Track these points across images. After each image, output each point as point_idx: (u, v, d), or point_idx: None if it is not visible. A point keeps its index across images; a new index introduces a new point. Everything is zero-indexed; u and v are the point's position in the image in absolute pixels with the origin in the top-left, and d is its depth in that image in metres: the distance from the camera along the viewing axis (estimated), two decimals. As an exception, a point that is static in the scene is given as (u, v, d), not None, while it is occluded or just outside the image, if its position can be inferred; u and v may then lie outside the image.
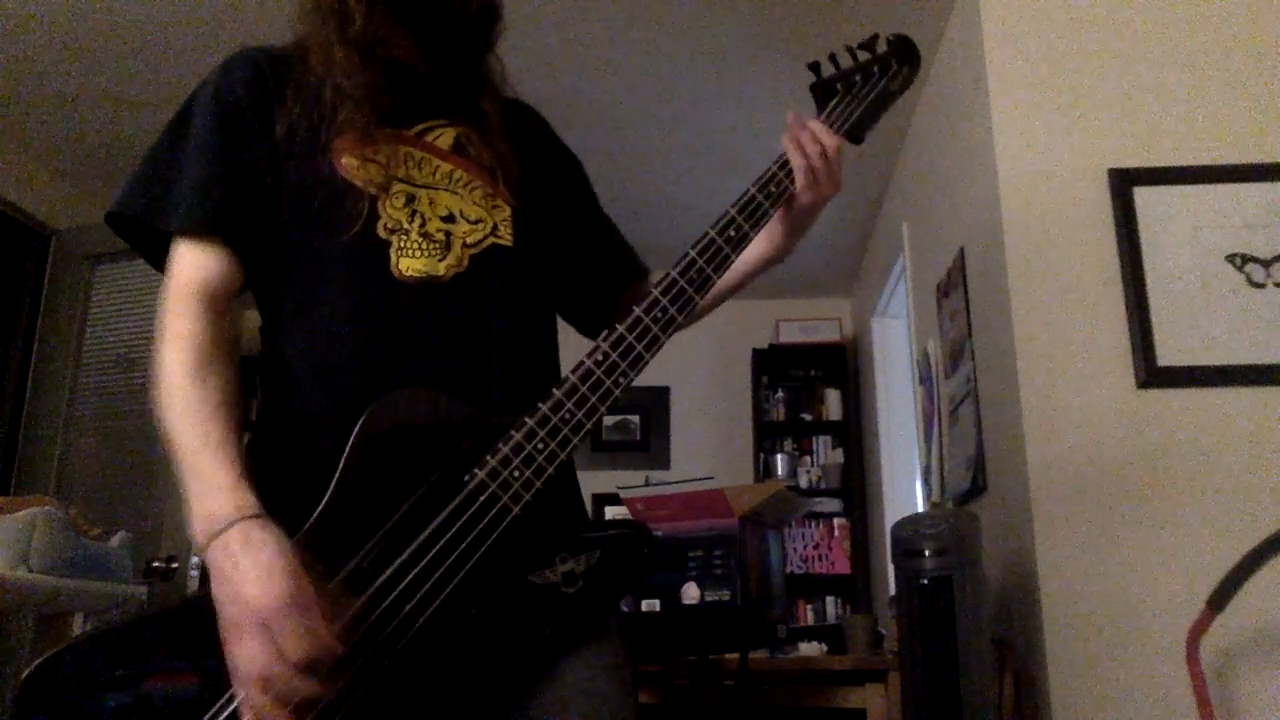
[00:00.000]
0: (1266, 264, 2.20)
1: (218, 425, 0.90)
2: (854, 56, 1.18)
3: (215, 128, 1.00)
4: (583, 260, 1.22)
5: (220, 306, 0.97)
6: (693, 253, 1.02)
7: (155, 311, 0.97)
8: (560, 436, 0.93)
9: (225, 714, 0.81)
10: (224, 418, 0.91)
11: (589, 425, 0.94)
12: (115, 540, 2.54)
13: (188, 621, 0.87)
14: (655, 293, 0.99)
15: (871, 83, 1.18)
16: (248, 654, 0.80)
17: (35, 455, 3.25)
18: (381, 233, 0.99)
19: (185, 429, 0.89)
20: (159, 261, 1.02)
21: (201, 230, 0.98)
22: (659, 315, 0.99)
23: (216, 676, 0.82)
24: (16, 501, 2.43)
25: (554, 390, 0.94)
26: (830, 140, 1.10)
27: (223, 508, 0.85)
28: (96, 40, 2.94)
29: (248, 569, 0.82)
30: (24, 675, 0.80)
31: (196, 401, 0.90)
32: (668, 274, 1.01)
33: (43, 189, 3.65)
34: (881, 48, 1.19)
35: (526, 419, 0.93)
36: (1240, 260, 2.20)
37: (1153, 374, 2.15)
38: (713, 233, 1.03)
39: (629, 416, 5.11)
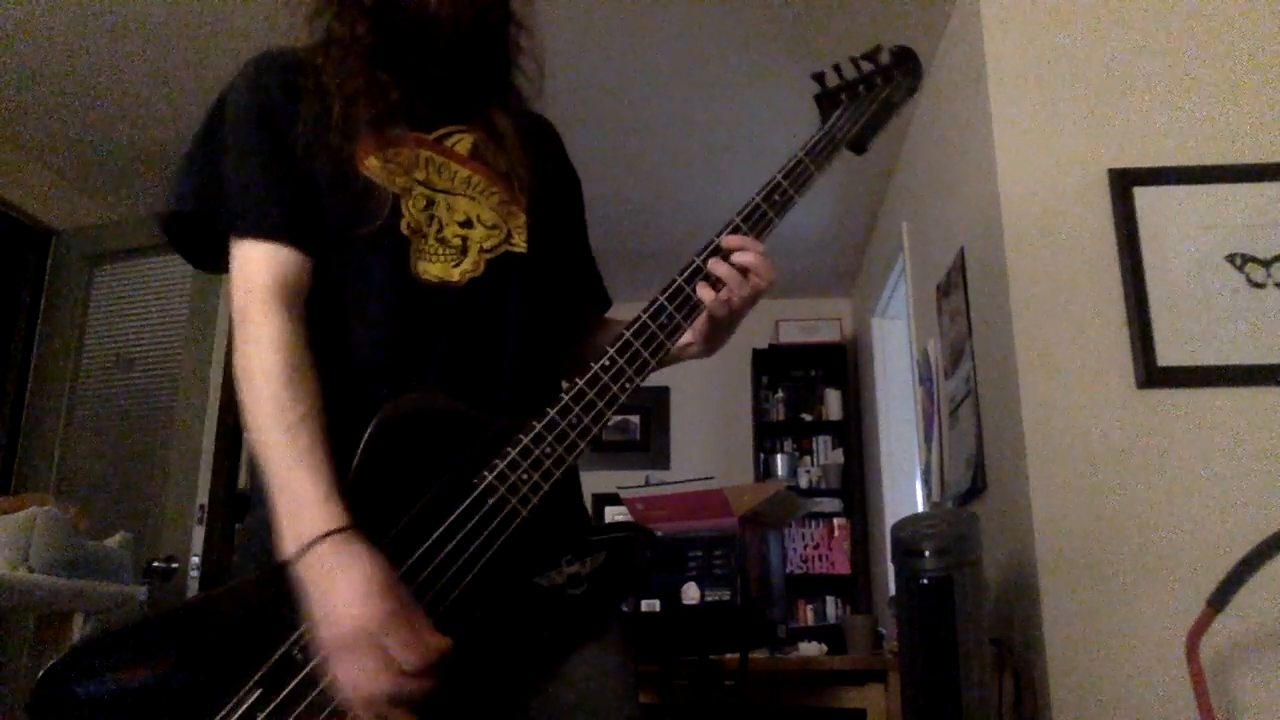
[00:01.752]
0: (1266, 264, 2.20)
1: (309, 435, 0.88)
2: (857, 67, 1.18)
3: (255, 129, 1.00)
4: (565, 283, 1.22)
5: (301, 308, 0.96)
6: (698, 260, 1.03)
7: (238, 311, 0.94)
8: (567, 441, 0.94)
9: (239, 713, 0.82)
10: (315, 427, 0.89)
11: (595, 430, 0.95)
12: (115, 540, 2.55)
13: (202, 620, 0.87)
14: (661, 299, 1.00)
15: (874, 93, 1.18)
16: (363, 672, 0.81)
17: (35, 455, 3.25)
18: (405, 230, 1.00)
19: (277, 440, 0.87)
20: (199, 260, 1.03)
21: (260, 233, 0.97)
22: (665, 322, 0.99)
23: (231, 675, 0.82)
24: (17, 501, 2.44)
25: (561, 395, 0.95)
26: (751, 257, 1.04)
27: (313, 522, 0.84)
28: (97, 40, 2.94)
29: (343, 585, 0.81)
30: (41, 673, 0.80)
31: (293, 413, 0.88)
32: (673, 280, 1.02)
33: (43, 189, 3.64)
34: (884, 58, 1.19)
35: (534, 423, 0.93)
36: (1240, 260, 2.21)
37: (1153, 374, 2.15)
38: (715, 239, 1.04)
39: (629, 416, 5.12)
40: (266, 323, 0.93)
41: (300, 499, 0.86)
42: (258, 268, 0.96)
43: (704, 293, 1.01)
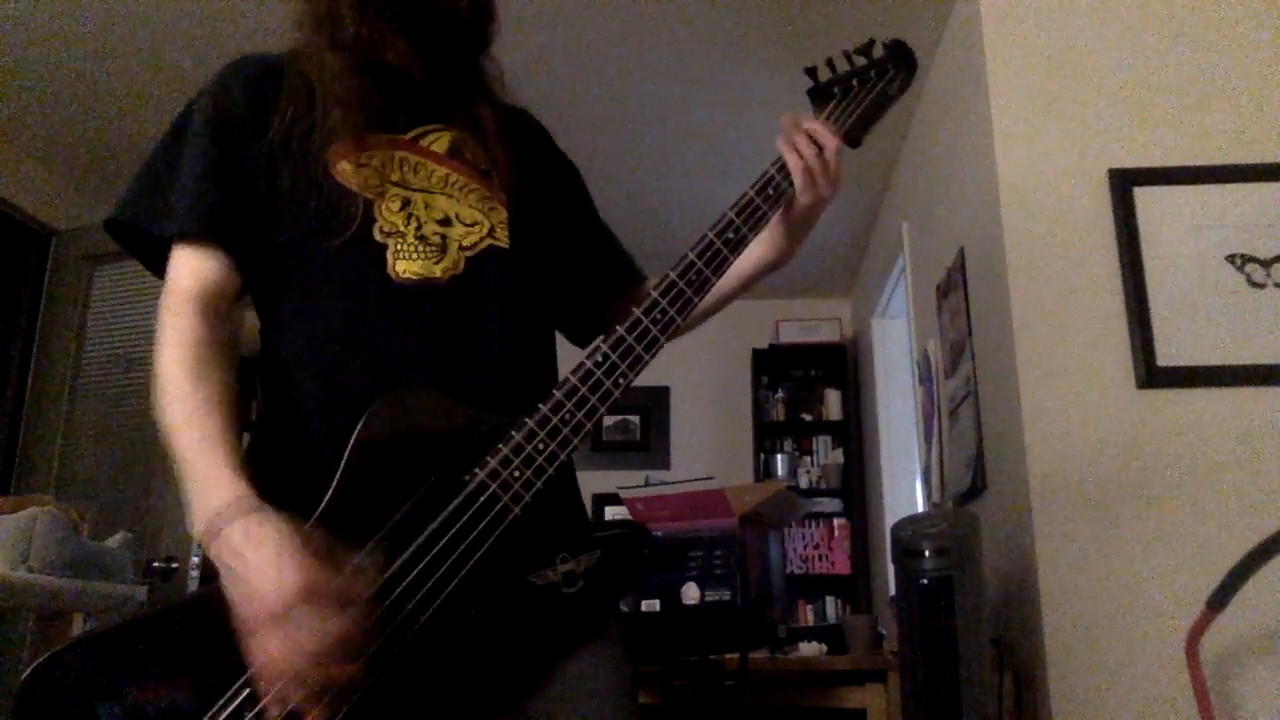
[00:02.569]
0: (1266, 264, 2.20)
1: (214, 423, 0.90)
2: (850, 61, 1.18)
3: (211, 135, 1.01)
4: (577, 266, 1.22)
5: (218, 310, 0.98)
6: (691, 255, 1.02)
7: (156, 314, 0.97)
8: (560, 437, 0.93)
9: (226, 713, 0.81)
10: (220, 416, 0.91)
11: (589, 426, 0.94)
12: (115, 540, 2.54)
13: (188, 620, 0.87)
14: (654, 294, 0.99)
15: (868, 87, 1.17)
16: (271, 652, 0.80)
17: (35, 455, 3.25)
18: (378, 236, 1.00)
19: (182, 427, 0.90)
20: (157, 266, 1.03)
21: (197, 237, 0.99)
22: (658, 317, 0.99)
23: (218, 675, 0.82)
24: (17, 501, 2.43)
25: (554, 391, 0.94)
26: (829, 140, 1.10)
27: (222, 503, 0.85)
28: (96, 40, 2.94)
29: (254, 564, 0.81)
30: (25, 675, 0.80)
31: (193, 400, 0.91)
32: (666, 275, 1.01)
33: (43, 189, 3.65)
34: (878, 52, 1.19)
35: (526, 419, 0.93)
36: (1240, 260, 2.20)
37: (1153, 374, 2.15)
38: (711, 235, 1.03)
39: (629, 416, 5.11)
40: (175, 324, 0.95)
41: (205, 482, 0.87)
42: (180, 273, 0.98)
43: (793, 159, 1.07)
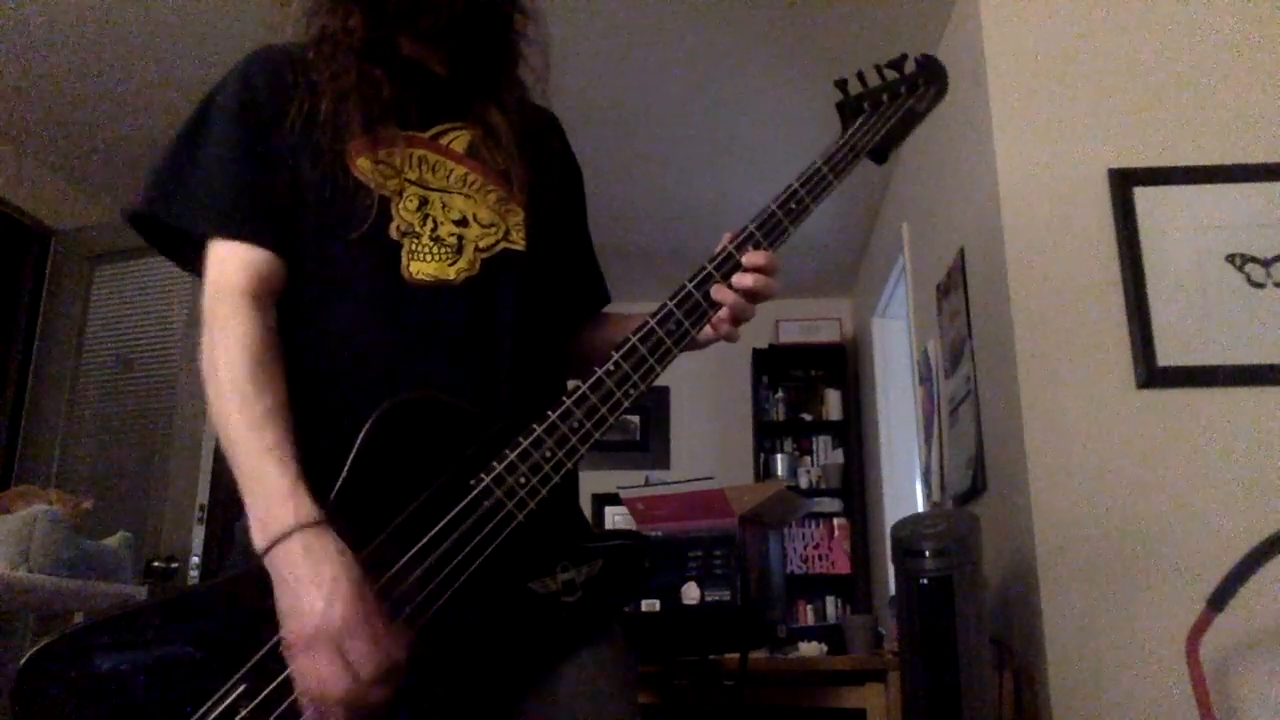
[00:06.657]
0: (1266, 264, 2.20)
1: (278, 431, 0.89)
2: (881, 75, 1.17)
3: (237, 127, 1.00)
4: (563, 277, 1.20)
5: (268, 305, 0.96)
6: (709, 266, 1.02)
7: (206, 308, 0.94)
8: (568, 445, 0.93)
9: (223, 706, 0.81)
10: (283, 423, 0.90)
11: (597, 435, 0.93)
12: (115, 540, 2.54)
13: (186, 612, 0.86)
14: (670, 305, 0.99)
15: (898, 102, 1.16)
16: (320, 673, 0.81)
17: (35, 455, 3.25)
18: (394, 234, 0.99)
19: (243, 434, 0.88)
20: (181, 258, 1.02)
21: (230, 232, 0.97)
22: (673, 329, 0.98)
23: (214, 668, 0.82)
24: (15, 494, 2.44)
25: (564, 398, 0.94)
26: (766, 287, 1.03)
27: (283, 514, 0.84)
28: (97, 40, 2.94)
29: (310, 583, 0.81)
30: (21, 663, 0.79)
31: (257, 407, 0.89)
32: (682, 286, 1.00)
33: (43, 189, 3.64)
34: (909, 67, 1.17)
35: (535, 426, 0.92)
36: (1240, 260, 2.20)
37: (1153, 374, 2.15)
38: (729, 247, 1.03)
39: (629, 416, 5.12)
40: (234, 321, 0.93)
41: (269, 492, 0.86)
42: (230, 267, 0.96)
43: (719, 297, 1.00)
